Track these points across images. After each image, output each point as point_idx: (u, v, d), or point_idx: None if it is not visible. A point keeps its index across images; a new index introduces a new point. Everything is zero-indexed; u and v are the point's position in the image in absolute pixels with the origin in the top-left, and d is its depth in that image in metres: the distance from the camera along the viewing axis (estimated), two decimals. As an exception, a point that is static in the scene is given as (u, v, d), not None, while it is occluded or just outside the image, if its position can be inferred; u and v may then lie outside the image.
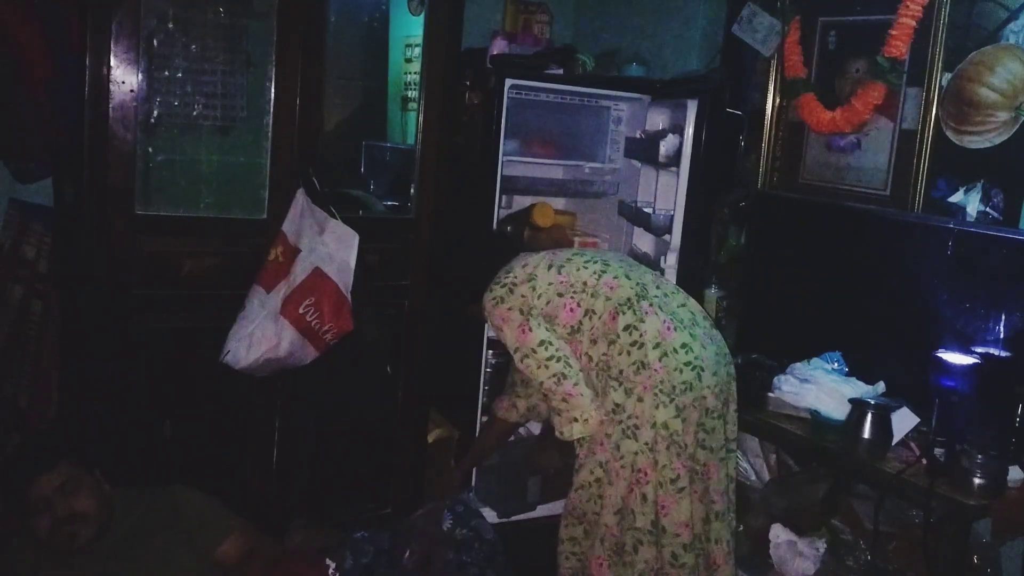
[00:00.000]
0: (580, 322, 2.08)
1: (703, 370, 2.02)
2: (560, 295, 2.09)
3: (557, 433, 2.10)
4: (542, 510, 2.89)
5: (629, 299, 2.06)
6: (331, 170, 2.62)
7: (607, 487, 2.04)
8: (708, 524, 2.09)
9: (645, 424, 1.99)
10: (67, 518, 1.83)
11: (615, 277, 2.10)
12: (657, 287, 2.15)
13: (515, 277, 2.14)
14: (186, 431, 2.42)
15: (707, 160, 2.86)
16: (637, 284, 2.10)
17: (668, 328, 2.03)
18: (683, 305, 2.15)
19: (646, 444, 1.99)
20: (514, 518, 2.88)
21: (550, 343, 2.06)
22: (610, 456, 2.03)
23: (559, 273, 2.12)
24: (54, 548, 1.85)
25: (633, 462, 2.00)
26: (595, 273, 2.11)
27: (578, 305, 2.08)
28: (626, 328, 2.03)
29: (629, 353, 2.01)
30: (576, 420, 2.05)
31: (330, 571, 2.17)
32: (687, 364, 2.00)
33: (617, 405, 2.02)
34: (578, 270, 2.12)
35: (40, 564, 1.88)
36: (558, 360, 2.05)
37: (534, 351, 2.06)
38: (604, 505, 2.05)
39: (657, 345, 2.00)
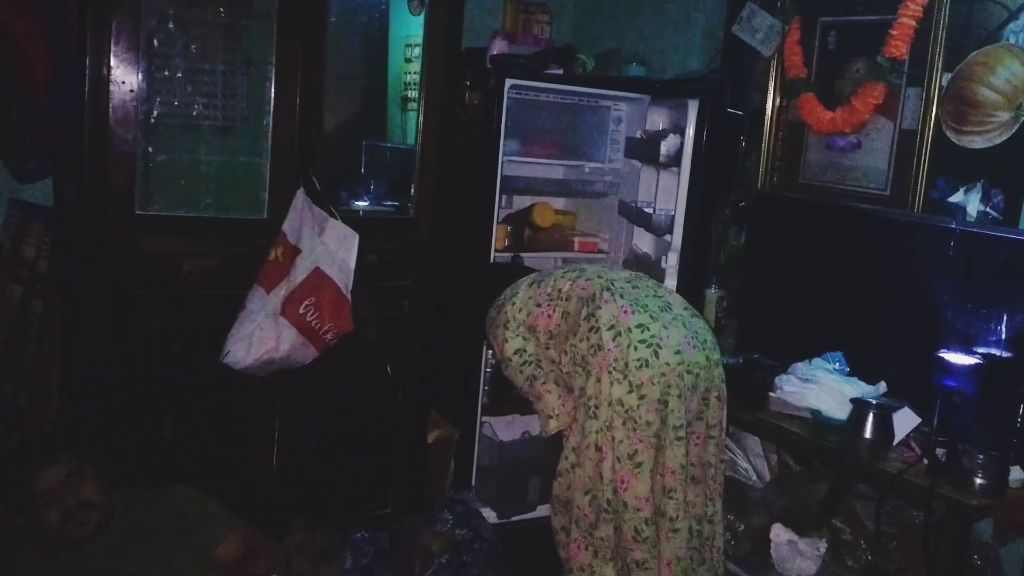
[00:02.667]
0: (558, 325, 2.18)
1: (660, 347, 2.05)
2: (538, 305, 2.22)
3: (541, 430, 2.25)
4: (542, 510, 2.89)
5: (594, 294, 2.15)
6: (331, 170, 2.62)
7: (578, 470, 2.11)
8: (663, 497, 2.11)
9: (603, 403, 2.05)
10: (76, 506, 1.85)
11: (587, 280, 2.20)
12: (628, 281, 2.21)
13: (502, 298, 2.32)
14: (186, 431, 2.42)
15: (708, 160, 2.86)
16: (605, 279, 2.18)
17: (625, 312, 2.10)
18: (657, 296, 2.19)
19: (604, 422, 2.05)
20: (514, 518, 2.88)
21: (524, 350, 2.23)
22: (579, 439, 2.10)
23: (538, 287, 2.26)
24: (62, 542, 1.86)
25: (595, 440, 2.07)
26: (570, 280, 2.22)
27: (554, 311, 2.19)
28: (586, 317, 2.12)
29: (588, 339, 2.09)
30: (551, 417, 2.20)
31: None
32: (641, 342, 2.05)
33: (581, 389, 2.10)
34: (555, 280, 2.25)
35: (40, 564, 1.88)
36: (529, 364, 2.22)
37: (510, 359, 2.25)
38: (575, 487, 2.11)
39: (612, 327, 2.07)
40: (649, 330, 2.07)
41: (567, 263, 2.87)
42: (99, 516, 1.89)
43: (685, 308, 2.22)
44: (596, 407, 2.06)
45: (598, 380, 2.06)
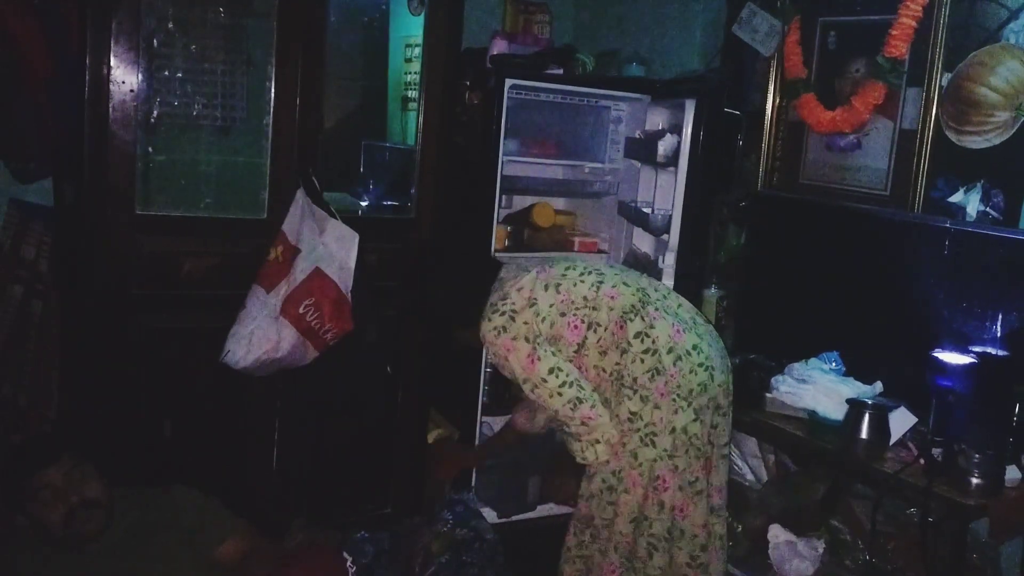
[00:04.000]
0: (585, 337, 2.04)
1: (714, 369, 2.04)
2: (563, 314, 2.04)
3: (579, 459, 2.04)
4: (542, 510, 2.90)
5: (633, 306, 2.04)
6: (331, 170, 2.62)
7: (622, 495, 2.02)
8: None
9: (664, 431, 1.98)
10: (80, 505, 1.85)
11: (614, 286, 2.07)
12: (655, 290, 2.14)
13: (514, 303, 2.06)
14: (186, 431, 2.42)
15: (705, 160, 2.86)
16: (638, 290, 2.08)
17: (678, 332, 2.03)
18: (680, 306, 2.15)
19: (665, 451, 1.99)
20: (514, 518, 2.88)
21: (560, 369, 1.99)
22: (626, 464, 2.01)
23: (557, 292, 2.06)
24: (63, 541, 1.86)
25: (651, 469, 1.99)
26: (593, 286, 2.07)
27: (581, 321, 2.04)
28: (637, 335, 2.01)
29: (643, 360, 1.99)
30: (599, 442, 2.01)
31: (348, 564, 2.18)
32: (700, 365, 2.01)
33: (633, 413, 1.99)
34: (575, 285, 2.07)
35: (41, 564, 1.88)
36: (571, 385, 1.99)
37: (544, 380, 2.00)
38: (619, 513, 2.03)
39: (671, 350, 2.00)
40: (703, 352, 2.02)
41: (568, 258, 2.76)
42: (103, 515, 1.89)
43: (699, 315, 2.20)
44: (654, 435, 1.98)
45: (656, 407, 1.98)
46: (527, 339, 2.02)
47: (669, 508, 2.00)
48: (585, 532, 2.10)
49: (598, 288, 2.07)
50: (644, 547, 2.02)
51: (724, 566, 2.12)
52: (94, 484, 1.89)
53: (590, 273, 2.11)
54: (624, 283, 2.09)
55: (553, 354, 2.02)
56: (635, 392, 2.00)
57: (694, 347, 2.02)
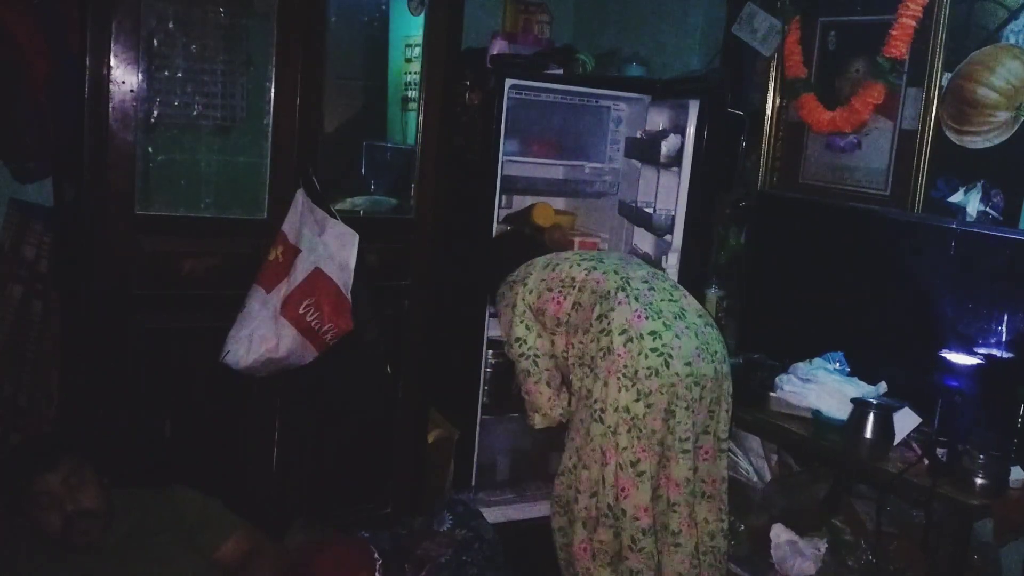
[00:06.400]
0: (568, 314, 2.18)
1: (671, 357, 2.04)
2: (549, 290, 2.22)
3: (528, 422, 2.35)
4: (543, 510, 2.89)
5: (609, 291, 2.13)
6: (331, 170, 2.62)
7: (582, 471, 2.10)
8: (667, 509, 2.11)
9: (609, 408, 2.04)
10: (77, 514, 1.84)
11: (603, 273, 2.18)
12: (644, 282, 2.18)
13: (515, 275, 2.32)
14: (186, 431, 2.41)
15: (708, 160, 2.85)
16: (622, 278, 2.16)
17: (638, 316, 2.08)
18: (672, 300, 2.17)
19: (609, 427, 2.04)
20: (514, 518, 2.88)
21: (524, 341, 2.25)
22: (582, 442, 2.10)
23: (552, 271, 2.26)
24: (61, 546, 1.85)
25: (600, 444, 2.06)
26: (586, 270, 2.20)
27: (564, 298, 2.19)
28: (599, 317, 2.11)
29: (598, 340, 2.09)
30: (537, 412, 2.29)
31: (374, 556, 2.20)
32: (653, 350, 2.04)
33: (588, 391, 2.09)
34: (570, 267, 2.24)
35: (40, 564, 1.87)
36: (527, 358, 2.26)
37: (511, 346, 2.30)
38: (580, 489, 2.11)
39: (624, 331, 2.06)
40: (661, 338, 2.05)
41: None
42: (100, 524, 1.88)
43: (699, 315, 2.19)
44: (602, 411, 2.05)
45: (605, 384, 2.05)
46: (512, 307, 2.27)
47: (611, 484, 2.05)
48: (563, 517, 2.19)
49: (588, 272, 2.20)
50: (600, 522, 2.09)
51: (685, 569, 2.08)
52: (92, 492, 1.87)
53: (590, 260, 2.26)
54: (615, 271, 2.19)
55: (527, 327, 2.24)
56: (592, 370, 2.09)
57: (651, 332, 2.05)
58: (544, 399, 2.26)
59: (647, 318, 2.07)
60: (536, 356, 2.24)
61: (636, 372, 2.02)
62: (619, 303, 2.09)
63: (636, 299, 2.10)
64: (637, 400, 2.02)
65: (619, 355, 2.04)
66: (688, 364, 2.05)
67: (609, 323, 2.07)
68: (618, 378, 2.03)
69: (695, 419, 2.08)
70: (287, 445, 2.56)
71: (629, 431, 2.02)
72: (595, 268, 2.20)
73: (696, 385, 2.07)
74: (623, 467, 2.03)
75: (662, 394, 2.02)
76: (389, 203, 2.83)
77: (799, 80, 2.81)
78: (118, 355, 2.30)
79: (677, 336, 2.07)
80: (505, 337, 2.33)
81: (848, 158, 2.71)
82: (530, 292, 2.25)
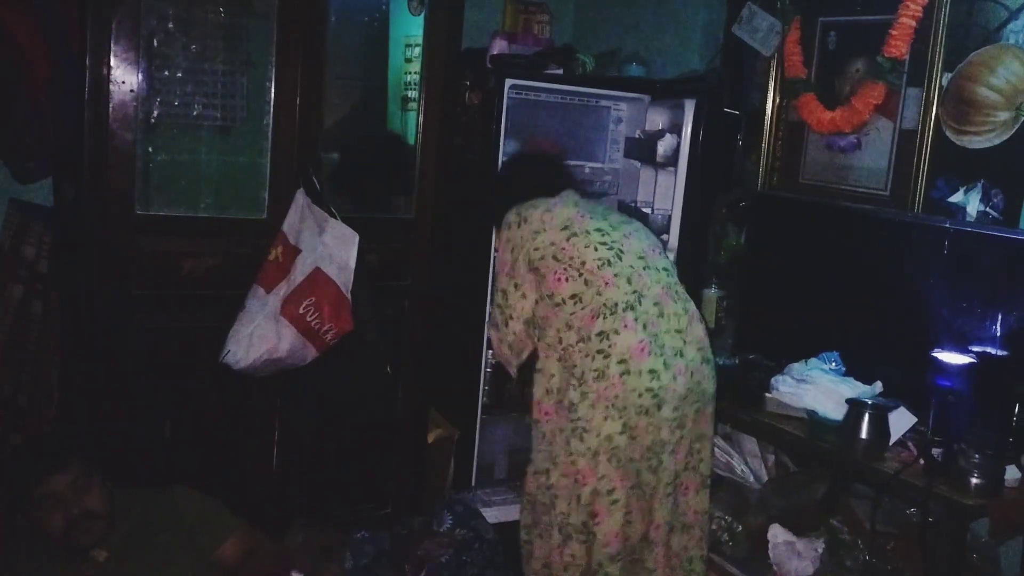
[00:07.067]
0: (564, 300, 2.02)
1: (664, 402, 1.98)
2: (555, 259, 2.03)
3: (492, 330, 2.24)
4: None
5: (616, 304, 1.99)
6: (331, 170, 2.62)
7: (560, 478, 2.05)
8: (644, 546, 2.08)
9: (592, 431, 1.98)
10: (81, 516, 1.84)
11: (616, 275, 2.01)
12: (655, 304, 2.03)
13: (532, 214, 2.11)
14: (186, 431, 2.42)
15: (704, 160, 2.86)
16: (633, 293, 2.01)
17: (642, 349, 1.97)
18: (678, 331, 2.05)
19: (589, 449, 1.99)
20: (514, 518, 2.87)
21: (505, 296, 2.12)
22: (561, 451, 2.04)
23: (567, 241, 2.04)
24: (62, 547, 1.86)
25: (579, 462, 2.01)
26: (599, 261, 2.01)
27: (566, 280, 2.01)
28: (600, 334, 1.98)
29: (593, 359, 1.97)
30: (498, 352, 2.22)
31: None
32: (648, 391, 1.96)
33: (572, 404, 2.00)
34: (586, 247, 2.03)
35: (41, 564, 1.88)
36: (501, 312, 2.14)
37: (499, 279, 2.16)
38: (558, 495, 2.05)
39: (622, 361, 1.96)
40: (659, 379, 1.97)
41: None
42: (102, 525, 1.88)
43: (699, 348, 2.08)
44: (584, 431, 1.99)
45: (592, 406, 1.98)
46: (513, 251, 2.10)
47: (586, 504, 2.01)
48: (528, 516, 2.14)
49: (600, 266, 2.01)
50: (573, 537, 2.04)
51: None
52: (96, 494, 1.88)
53: (607, 248, 2.04)
54: (628, 280, 2.01)
55: (516, 285, 2.09)
56: (579, 385, 2.00)
57: (651, 371, 1.96)
58: (505, 350, 2.16)
59: (650, 353, 1.97)
60: (510, 318, 2.09)
61: (626, 407, 1.96)
62: (625, 326, 1.97)
63: (644, 327, 1.98)
64: (622, 433, 1.97)
65: (613, 384, 1.95)
66: (676, 409, 2.01)
67: (610, 347, 1.96)
68: (607, 407, 1.96)
69: (676, 458, 2.06)
70: (287, 445, 2.56)
71: (609, 459, 1.98)
72: (609, 264, 2.00)
73: (679, 428, 2.03)
74: (599, 493, 2.00)
75: (647, 433, 1.99)
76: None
77: (799, 80, 2.81)
78: (118, 355, 2.30)
79: (674, 378, 1.99)
80: (498, 270, 2.17)
81: (848, 158, 2.71)
82: (535, 249, 2.04)
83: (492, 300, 2.26)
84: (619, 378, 1.96)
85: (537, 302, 2.07)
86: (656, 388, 1.97)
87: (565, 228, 2.06)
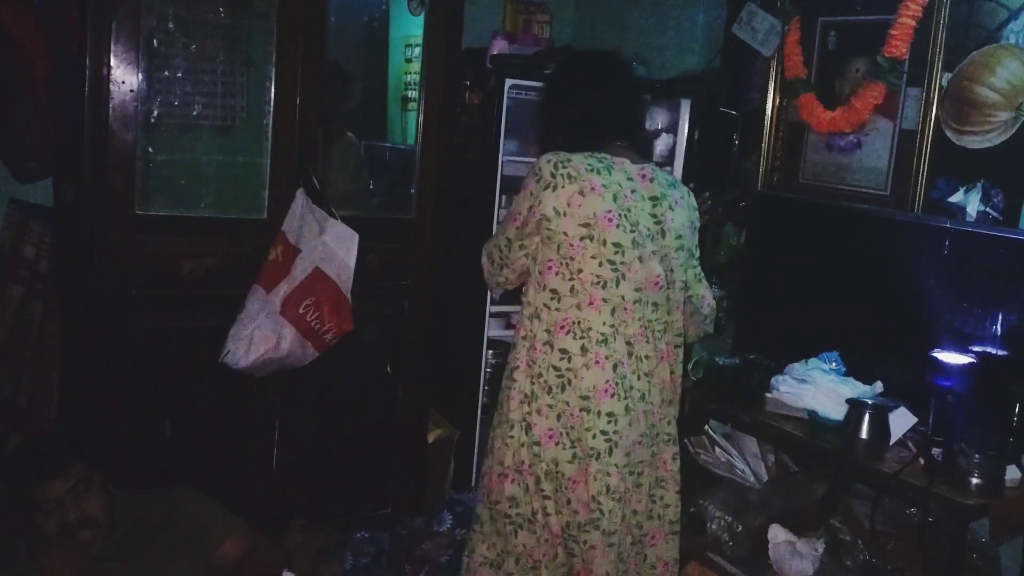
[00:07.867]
0: (546, 287, 1.84)
1: (616, 447, 1.85)
2: (559, 250, 1.82)
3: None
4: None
5: (590, 329, 1.82)
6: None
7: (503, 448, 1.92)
8: None
9: (543, 437, 1.85)
10: (78, 522, 1.84)
11: (604, 300, 1.82)
12: (627, 343, 1.85)
13: (564, 188, 1.80)
14: (186, 431, 2.42)
15: (700, 159, 2.86)
16: (611, 327, 1.83)
17: (606, 390, 1.82)
18: (647, 375, 1.90)
19: (536, 456, 1.87)
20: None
21: (509, 247, 1.89)
22: (515, 421, 1.91)
23: (579, 240, 1.80)
24: (63, 549, 1.85)
25: (518, 452, 1.89)
26: (596, 277, 1.81)
27: (556, 274, 1.83)
28: (564, 353, 1.82)
29: (557, 374, 1.84)
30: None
31: None
32: (603, 432, 1.83)
33: (526, 396, 1.87)
34: (592, 257, 1.81)
35: (40, 564, 1.88)
36: (499, 254, 1.92)
37: (495, 227, 2.02)
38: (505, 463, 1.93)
39: (585, 398, 1.82)
40: (616, 424, 1.83)
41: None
42: (100, 532, 1.88)
43: (661, 391, 1.95)
44: (530, 427, 1.86)
45: (544, 416, 1.85)
46: (530, 209, 1.83)
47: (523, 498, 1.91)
48: (485, 511, 1.99)
49: (594, 283, 1.82)
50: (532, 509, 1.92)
51: None
52: (96, 501, 1.88)
53: (615, 270, 1.83)
54: (612, 310, 1.83)
55: (521, 246, 1.88)
56: (543, 386, 1.85)
57: (609, 414, 1.82)
58: (488, 283, 2.02)
59: (613, 396, 1.83)
60: (504, 265, 1.92)
61: (579, 439, 1.83)
62: (595, 362, 1.82)
63: (614, 367, 1.83)
64: (571, 462, 1.85)
65: (572, 414, 1.83)
66: (627, 455, 1.87)
67: (575, 376, 1.82)
68: (561, 433, 1.84)
69: (626, 509, 1.91)
70: (287, 445, 2.56)
71: (548, 478, 1.87)
72: (603, 287, 1.81)
73: (631, 474, 1.90)
74: (518, 500, 1.90)
75: (595, 479, 1.84)
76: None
77: (799, 80, 2.81)
78: (118, 355, 2.30)
79: (630, 424, 1.86)
80: (512, 206, 1.91)
81: (848, 158, 2.71)
82: (548, 228, 1.82)
83: (492, 234, 2.06)
84: (578, 412, 1.84)
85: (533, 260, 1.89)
86: (610, 432, 1.84)
87: (586, 225, 1.79)
